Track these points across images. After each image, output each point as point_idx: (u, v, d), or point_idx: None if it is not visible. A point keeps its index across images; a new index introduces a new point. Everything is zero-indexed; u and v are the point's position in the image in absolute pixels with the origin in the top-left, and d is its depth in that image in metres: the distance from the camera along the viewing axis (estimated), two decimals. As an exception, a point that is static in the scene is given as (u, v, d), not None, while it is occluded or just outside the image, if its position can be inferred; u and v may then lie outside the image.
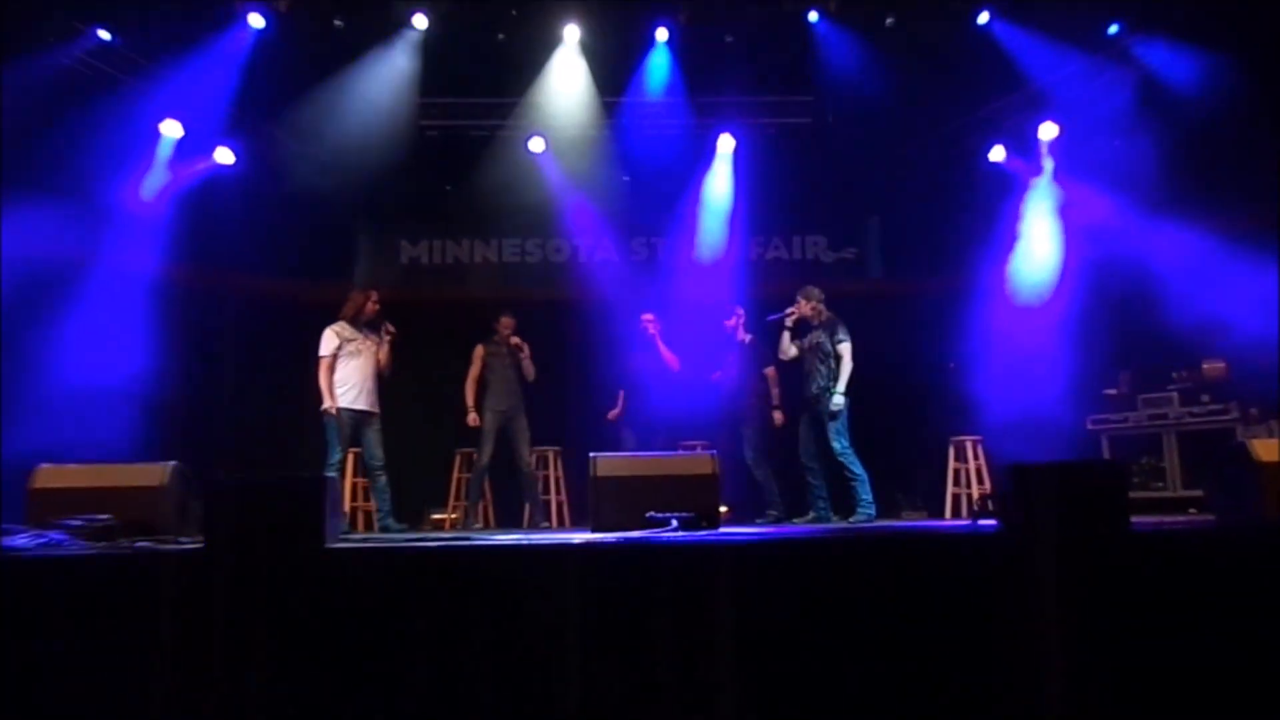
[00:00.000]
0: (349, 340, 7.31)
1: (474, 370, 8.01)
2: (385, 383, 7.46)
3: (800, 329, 7.57)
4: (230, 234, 8.93)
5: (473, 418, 7.93)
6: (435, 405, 9.11)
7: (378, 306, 7.48)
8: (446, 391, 8.94)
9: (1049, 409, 8.01)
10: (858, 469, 7.13)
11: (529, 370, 8.04)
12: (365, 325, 7.44)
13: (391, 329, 7.48)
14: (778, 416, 7.79)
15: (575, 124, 9.36)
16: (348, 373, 7.26)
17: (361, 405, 7.27)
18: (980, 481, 8.20)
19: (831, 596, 3.45)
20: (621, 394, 8.31)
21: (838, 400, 7.16)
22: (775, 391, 7.84)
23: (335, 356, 7.25)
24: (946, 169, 9.47)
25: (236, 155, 8.69)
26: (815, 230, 10.38)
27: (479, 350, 8.06)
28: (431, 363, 8.82)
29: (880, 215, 10.36)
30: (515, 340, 8.01)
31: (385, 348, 7.44)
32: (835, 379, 7.23)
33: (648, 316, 8.35)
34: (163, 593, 3.41)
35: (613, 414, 8.28)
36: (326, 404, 7.16)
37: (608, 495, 5.13)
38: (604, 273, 9.79)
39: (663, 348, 8.20)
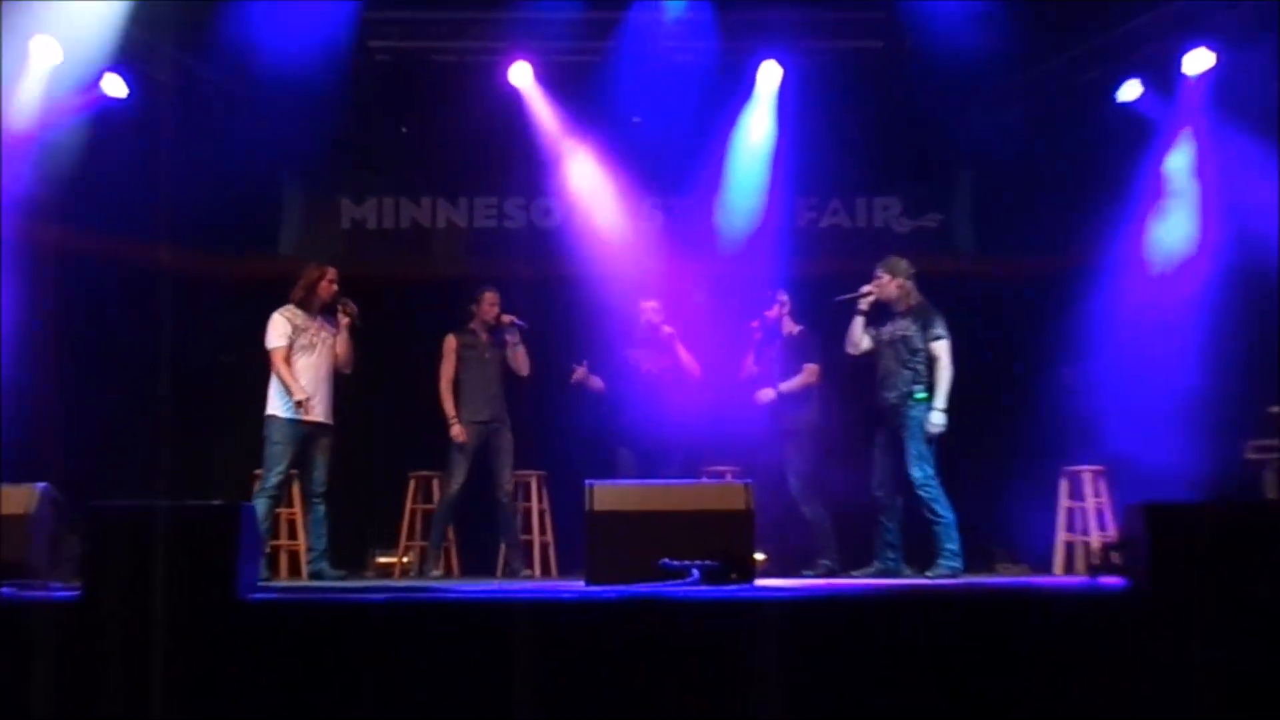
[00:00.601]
0: (301, 330, 7.38)
1: (447, 367, 8.06)
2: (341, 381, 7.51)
3: (878, 315, 7.56)
4: (119, 188, 8.94)
5: (457, 430, 7.97)
6: (383, 415, 9.14)
7: (335, 287, 7.55)
8: (398, 397, 8.96)
9: (1194, 432, 8.00)
10: (943, 509, 7.12)
11: (522, 362, 8.08)
12: (320, 311, 7.49)
13: (352, 308, 7.53)
14: (766, 393, 7.79)
15: (569, 47, 9.37)
16: (297, 373, 7.35)
17: (313, 416, 7.37)
18: (1102, 527, 8.19)
19: (902, 677, 3.46)
20: (583, 366, 8.33)
21: (938, 418, 7.14)
22: (795, 383, 7.84)
23: (291, 347, 7.30)
24: (1060, 111, 9.45)
25: (130, 88, 8.71)
26: (886, 190, 10.37)
27: (450, 342, 8.10)
28: (379, 360, 8.83)
29: (972, 171, 10.33)
30: (508, 318, 8.03)
31: (344, 336, 7.49)
32: (922, 384, 7.21)
33: (649, 304, 8.34)
34: (29, 654, 3.43)
35: (576, 375, 8.30)
36: (298, 396, 7.19)
37: (608, 536, 5.16)
38: (606, 243, 9.80)
39: (681, 350, 8.20)
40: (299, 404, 7.25)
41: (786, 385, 7.80)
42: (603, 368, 8.47)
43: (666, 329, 8.27)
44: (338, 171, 10.36)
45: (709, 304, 8.77)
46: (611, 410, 8.28)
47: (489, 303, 8.12)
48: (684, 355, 8.24)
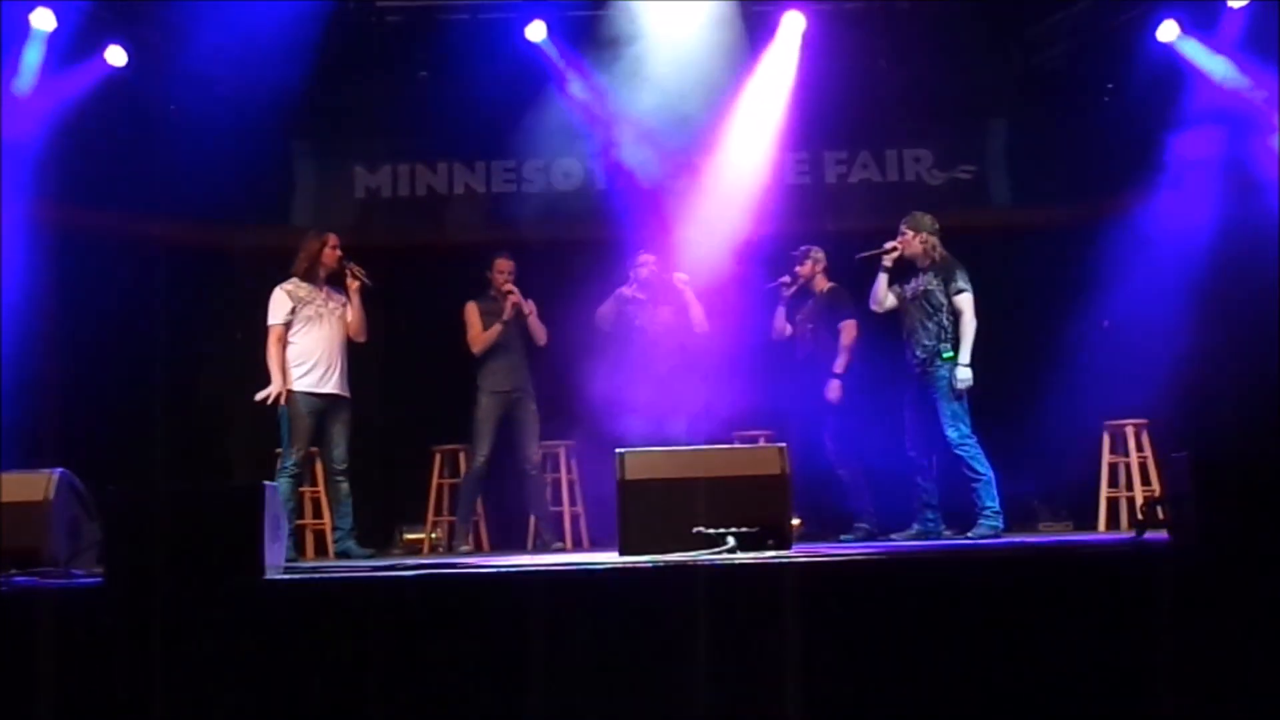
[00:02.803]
0: (306, 302, 7.39)
1: (475, 327, 8.06)
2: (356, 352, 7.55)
3: (902, 271, 7.56)
4: (125, 162, 8.99)
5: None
6: (404, 387, 9.16)
7: (339, 253, 7.56)
8: (418, 368, 8.98)
9: (1243, 384, 7.97)
10: (981, 466, 7.14)
11: (539, 332, 8.10)
12: (327, 281, 7.52)
13: (359, 272, 7.54)
14: (833, 387, 7.79)
15: (586, 2, 9.33)
16: (308, 345, 7.36)
17: (328, 388, 7.38)
18: (1146, 482, 8.19)
19: (946, 641, 3.48)
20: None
21: (964, 374, 7.15)
22: (844, 346, 7.83)
23: (289, 325, 7.34)
24: (1098, 53, 9.37)
25: (128, 54, 8.73)
26: (917, 141, 10.30)
27: (471, 309, 8.11)
28: (398, 330, 8.88)
29: (1007, 120, 10.28)
30: (509, 288, 8.04)
31: (355, 303, 7.51)
32: (947, 340, 7.22)
33: (647, 258, 8.31)
34: (47, 643, 3.47)
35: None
36: (274, 388, 7.24)
37: (641, 505, 5.16)
38: (629, 205, 9.77)
39: (693, 301, 8.14)
40: (264, 400, 7.25)
41: (840, 364, 7.81)
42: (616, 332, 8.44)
43: (681, 276, 8.22)
44: (351, 139, 10.35)
45: (737, 263, 8.73)
46: (612, 376, 8.25)
47: (500, 271, 8.12)
48: (695, 307, 8.16)
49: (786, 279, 8.07)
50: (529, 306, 8.10)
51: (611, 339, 8.25)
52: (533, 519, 8.31)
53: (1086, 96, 9.38)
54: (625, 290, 8.26)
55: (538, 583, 3.66)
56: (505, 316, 7.97)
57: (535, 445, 8.10)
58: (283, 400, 7.27)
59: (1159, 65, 9.06)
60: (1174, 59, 9.02)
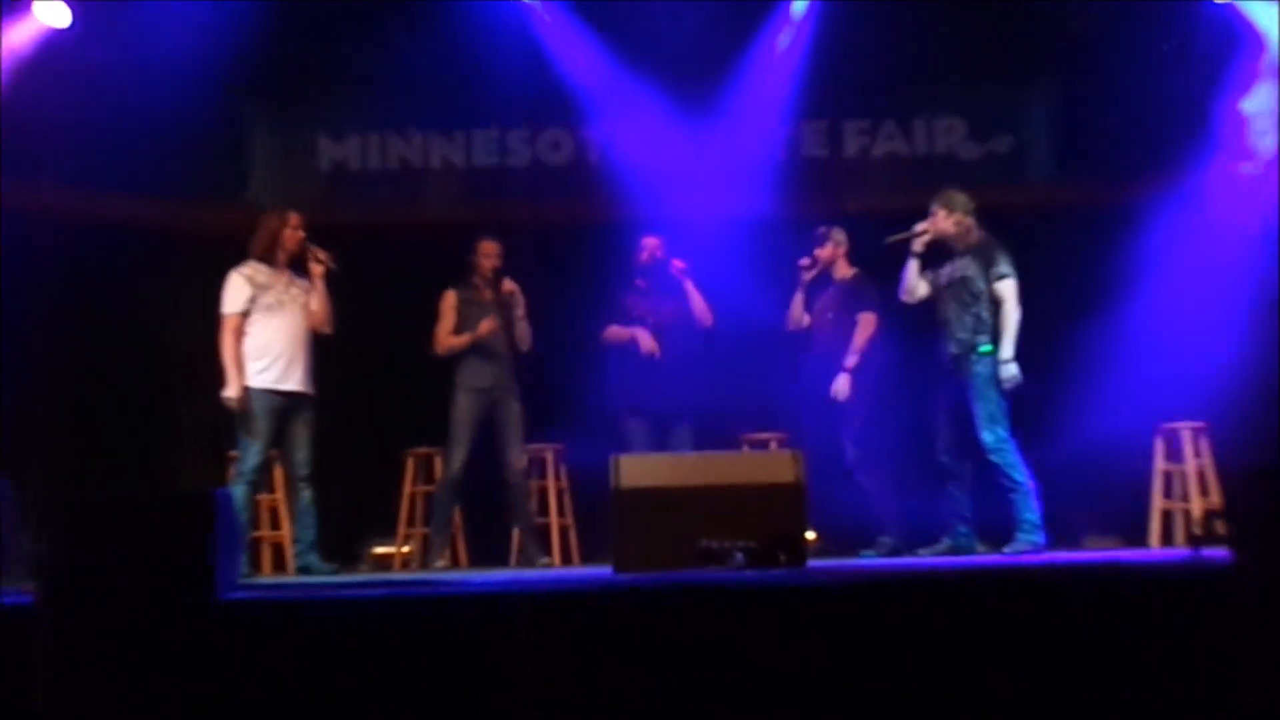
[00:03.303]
0: (265, 288, 7.37)
1: (447, 322, 8.03)
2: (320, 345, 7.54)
3: (934, 256, 7.57)
4: (59, 131, 8.98)
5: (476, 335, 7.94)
6: (375, 384, 9.17)
7: (302, 234, 7.54)
8: (391, 363, 8.98)
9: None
10: (1020, 474, 7.13)
11: (524, 336, 8.09)
12: (288, 265, 7.51)
13: (324, 255, 7.52)
14: (841, 382, 7.80)
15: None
16: (267, 337, 7.33)
17: (290, 385, 7.35)
18: (1205, 492, 8.19)
19: (979, 669, 3.48)
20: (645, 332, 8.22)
21: (1009, 371, 7.12)
22: (857, 344, 7.81)
23: (246, 314, 7.33)
24: (1157, 10, 9.35)
25: (73, 13, 8.70)
26: (949, 109, 10.29)
27: (449, 298, 8.09)
28: (368, 320, 8.87)
29: (1050, 85, 10.27)
30: (509, 288, 8.05)
31: (319, 290, 7.50)
32: (985, 332, 7.21)
33: (651, 241, 8.31)
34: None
35: (645, 345, 8.20)
36: (234, 388, 7.22)
37: (637, 516, 5.18)
38: (627, 180, 9.77)
39: (692, 290, 8.16)
40: (230, 401, 7.24)
41: (852, 359, 7.79)
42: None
43: (677, 263, 8.21)
44: (314, 104, 10.35)
45: (747, 247, 8.73)
46: (617, 373, 8.26)
47: (486, 255, 8.10)
48: (695, 297, 8.16)
49: (805, 262, 8.06)
50: (519, 304, 8.08)
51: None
52: (516, 531, 8.30)
53: (1141, 58, 9.36)
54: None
55: (522, 604, 3.66)
56: (481, 333, 7.93)
57: (519, 449, 8.08)
58: (235, 397, 7.24)
59: (1221, 26, 9.05)
60: (1236, 20, 9.02)
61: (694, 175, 9.69)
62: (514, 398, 8.07)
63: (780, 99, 9.62)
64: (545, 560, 8.17)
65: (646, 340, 8.08)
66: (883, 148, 10.25)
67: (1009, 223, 7.86)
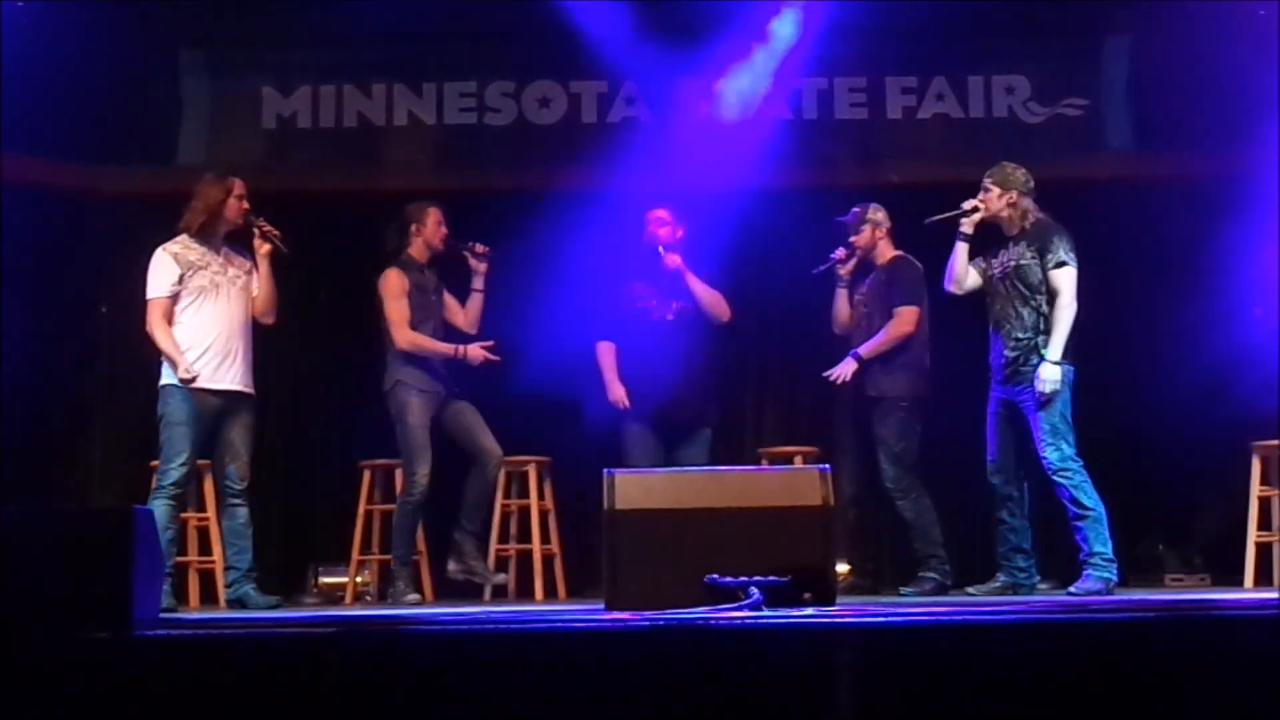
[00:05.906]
0: (197, 268, 7.34)
1: (401, 315, 7.92)
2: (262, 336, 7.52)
3: (988, 240, 7.56)
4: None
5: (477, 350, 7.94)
6: (327, 384, 9.17)
7: (246, 205, 7.49)
8: (344, 358, 8.98)
9: None
10: (1089, 499, 7.12)
11: (471, 315, 8.04)
12: (226, 241, 7.48)
13: (271, 232, 7.47)
14: (845, 365, 7.81)
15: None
16: (200, 326, 7.29)
17: (226, 382, 7.32)
18: (1310, 523, 8.21)
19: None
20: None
21: (1050, 373, 7.12)
22: (883, 339, 7.80)
23: (175, 298, 7.31)
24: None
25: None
26: (1010, 67, 10.33)
27: (392, 278, 7.97)
28: (318, 306, 8.88)
29: (1129, 38, 10.29)
30: (480, 247, 8.03)
31: (263, 272, 7.47)
32: (1047, 331, 7.21)
33: (659, 214, 8.29)
34: None
35: (614, 395, 8.21)
36: (180, 368, 7.17)
37: (635, 543, 5.18)
38: (626, 142, 9.78)
39: (695, 283, 8.14)
40: (186, 380, 7.19)
41: (869, 349, 7.76)
42: (614, 314, 8.43)
43: (672, 258, 8.16)
44: (257, 50, 10.34)
45: (772, 225, 8.73)
46: (604, 374, 8.26)
47: (430, 222, 8.03)
48: (701, 291, 8.13)
49: (840, 253, 8.03)
50: (480, 281, 8.07)
51: (609, 329, 8.26)
52: (457, 535, 7.99)
53: (1233, 10, 9.37)
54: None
55: (498, 643, 3.65)
56: (472, 360, 7.90)
57: (488, 434, 7.98)
58: (178, 382, 7.19)
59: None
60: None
61: (709, 138, 9.66)
62: (460, 394, 7.97)
63: (812, 52, 9.63)
64: (501, 577, 8.22)
65: (617, 391, 8.10)
66: (931, 109, 10.28)
67: (1080, 199, 7.87)
